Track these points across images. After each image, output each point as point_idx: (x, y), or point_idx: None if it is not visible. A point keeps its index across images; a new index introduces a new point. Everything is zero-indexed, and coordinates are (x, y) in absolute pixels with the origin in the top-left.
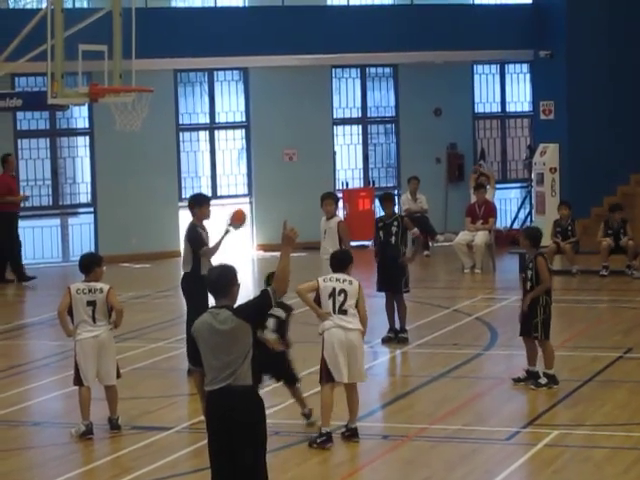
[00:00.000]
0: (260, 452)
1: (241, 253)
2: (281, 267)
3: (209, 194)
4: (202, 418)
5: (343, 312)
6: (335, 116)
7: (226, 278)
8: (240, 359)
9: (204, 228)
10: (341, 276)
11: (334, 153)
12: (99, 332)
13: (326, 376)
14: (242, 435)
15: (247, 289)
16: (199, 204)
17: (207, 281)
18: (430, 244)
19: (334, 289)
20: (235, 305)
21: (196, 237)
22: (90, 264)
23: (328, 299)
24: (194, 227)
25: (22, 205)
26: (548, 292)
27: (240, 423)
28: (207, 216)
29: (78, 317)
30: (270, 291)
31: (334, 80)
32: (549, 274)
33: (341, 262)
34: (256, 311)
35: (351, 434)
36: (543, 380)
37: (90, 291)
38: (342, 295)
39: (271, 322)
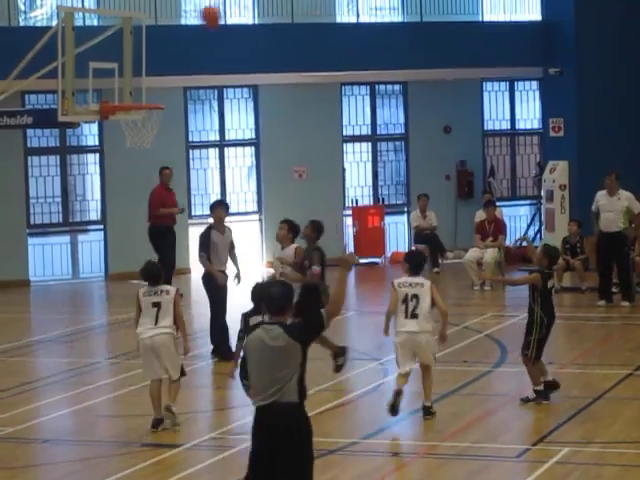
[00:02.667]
0: (306, 471)
1: (250, 269)
2: (338, 291)
3: None
4: (212, 435)
5: (414, 316)
6: (345, 133)
7: (285, 298)
8: (288, 376)
9: (222, 230)
10: (414, 280)
11: (343, 170)
12: (158, 332)
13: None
14: (288, 454)
15: None
16: (211, 208)
17: (263, 295)
18: (440, 261)
19: (407, 295)
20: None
21: (201, 240)
22: (158, 272)
23: (401, 304)
24: (207, 230)
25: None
26: (546, 311)
27: (286, 441)
28: (220, 219)
29: (142, 317)
30: (324, 313)
31: (343, 97)
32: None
33: (418, 264)
34: (308, 332)
35: (425, 412)
36: (531, 395)
37: (156, 293)
38: (414, 300)
39: None
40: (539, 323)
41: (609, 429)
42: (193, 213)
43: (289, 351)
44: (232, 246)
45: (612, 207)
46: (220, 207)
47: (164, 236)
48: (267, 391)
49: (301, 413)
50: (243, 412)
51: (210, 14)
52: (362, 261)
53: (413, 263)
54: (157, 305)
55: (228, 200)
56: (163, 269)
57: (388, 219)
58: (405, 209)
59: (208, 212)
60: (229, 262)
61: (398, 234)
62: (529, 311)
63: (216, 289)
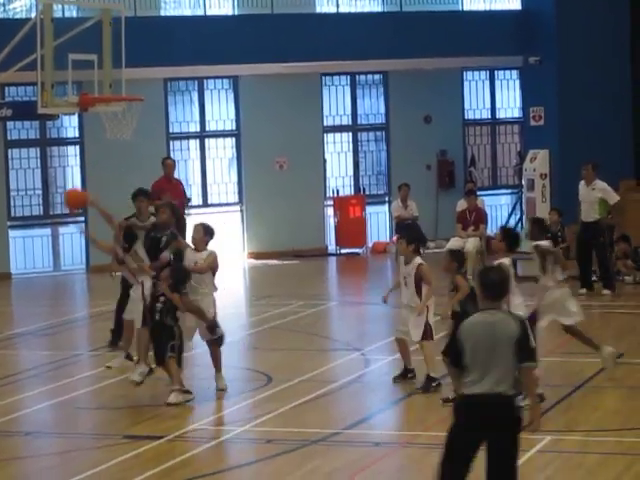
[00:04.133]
0: (516, 464)
1: (232, 261)
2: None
3: (200, 202)
4: (194, 427)
5: None
6: (325, 124)
7: (507, 281)
8: (509, 368)
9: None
10: None
11: (324, 161)
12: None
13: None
14: (499, 445)
15: (239, 297)
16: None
17: (486, 282)
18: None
19: None
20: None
21: None
22: None
23: None
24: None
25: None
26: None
27: (498, 433)
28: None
29: None
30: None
31: (324, 88)
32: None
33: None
34: (527, 344)
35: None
36: (452, 395)
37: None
38: None
39: None
40: None
41: (590, 417)
42: None
43: (515, 344)
44: None
45: (587, 197)
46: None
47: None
48: (484, 379)
49: (517, 405)
50: (224, 404)
51: (72, 197)
52: (344, 251)
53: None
54: None
55: (209, 191)
56: None
57: (369, 209)
58: (386, 199)
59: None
60: None
61: (379, 224)
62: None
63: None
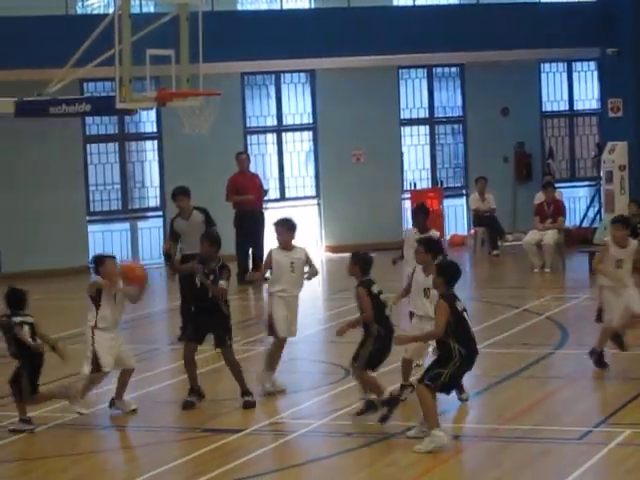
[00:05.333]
0: None
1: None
2: None
3: (277, 196)
4: (272, 420)
5: None
6: (402, 117)
7: None
8: None
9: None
10: None
11: (401, 153)
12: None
13: None
14: None
15: (316, 290)
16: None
17: None
18: (499, 244)
19: None
20: None
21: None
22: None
23: None
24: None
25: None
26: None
27: None
28: (180, 207)
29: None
30: None
31: (401, 81)
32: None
33: None
34: None
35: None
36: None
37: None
38: None
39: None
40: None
41: None
42: None
43: None
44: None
45: None
46: (180, 195)
47: (245, 221)
48: None
49: None
50: (302, 397)
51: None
52: None
53: None
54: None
55: (287, 185)
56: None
57: (447, 202)
58: (464, 192)
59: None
60: None
61: (457, 217)
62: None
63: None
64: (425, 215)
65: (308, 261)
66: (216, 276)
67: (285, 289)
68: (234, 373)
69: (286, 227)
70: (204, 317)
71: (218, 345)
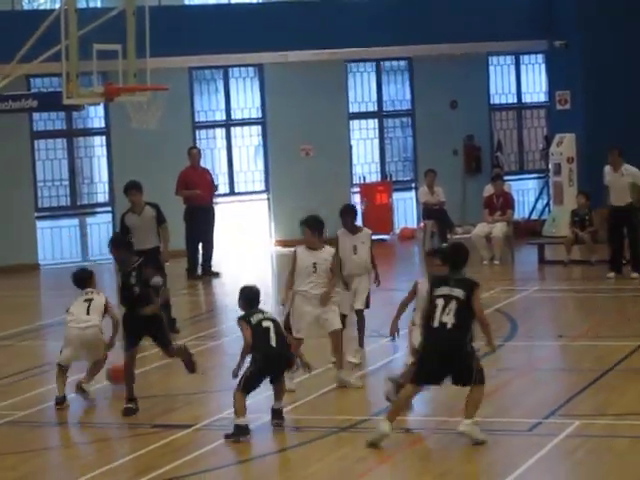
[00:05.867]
0: None
1: (259, 249)
2: None
3: (227, 191)
4: (222, 416)
5: None
6: (351, 110)
7: None
8: None
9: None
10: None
11: (350, 147)
12: None
13: None
14: None
15: (266, 285)
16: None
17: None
18: (449, 236)
19: None
20: None
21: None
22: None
23: None
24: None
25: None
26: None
27: None
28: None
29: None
30: None
31: (349, 74)
32: None
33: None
34: None
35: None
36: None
37: None
38: None
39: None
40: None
41: (620, 401)
42: None
43: None
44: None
45: (617, 182)
46: (132, 190)
47: (195, 216)
48: None
49: None
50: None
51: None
52: (376, 237)
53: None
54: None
55: (236, 180)
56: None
57: (396, 195)
58: (413, 185)
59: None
60: None
61: (407, 210)
62: None
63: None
64: (353, 216)
65: (331, 266)
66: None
67: (306, 290)
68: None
69: (306, 225)
70: (140, 323)
71: (161, 348)
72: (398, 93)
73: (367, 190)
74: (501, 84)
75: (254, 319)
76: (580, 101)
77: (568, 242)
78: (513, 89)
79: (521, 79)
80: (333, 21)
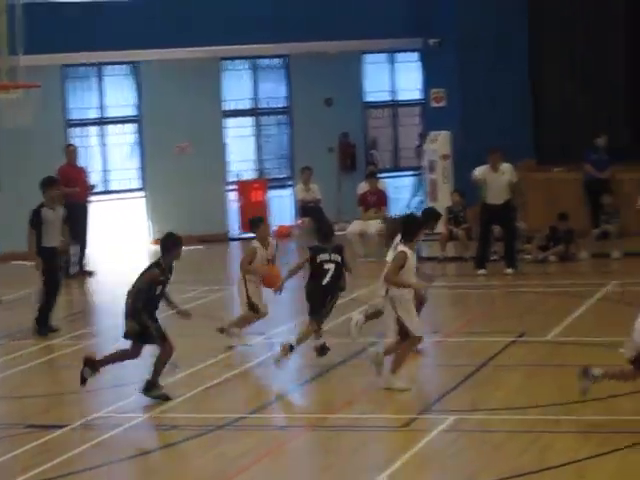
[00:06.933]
0: None
1: (137, 247)
2: None
3: (102, 189)
4: (99, 415)
5: None
6: (227, 108)
7: None
8: None
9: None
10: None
11: (224, 145)
12: None
13: None
14: None
15: None
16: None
17: None
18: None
19: None
20: None
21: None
22: None
23: None
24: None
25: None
26: None
27: None
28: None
29: None
30: None
31: (225, 72)
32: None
33: None
34: None
35: None
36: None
37: None
38: None
39: None
40: None
41: (494, 396)
42: None
43: None
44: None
45: (498, 182)
46: (53, 185)
47: (71, 214)
48: None
49: None
50: (129, 390)
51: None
52: (247, 236)
53: None
54: None
55: (111, 178)
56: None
57: (272, 193)
58: (289, 182)
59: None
60: None
61: (283, 208)
62: None
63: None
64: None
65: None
66: None
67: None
68: None
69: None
70: None
71: None
72: (274, 91)
73: (243, 188)
74: (376, 82)
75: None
76: (455, 98)
77: (443, 239)
78: (388, 87)
79: (396, 77)
80: (208, 19)
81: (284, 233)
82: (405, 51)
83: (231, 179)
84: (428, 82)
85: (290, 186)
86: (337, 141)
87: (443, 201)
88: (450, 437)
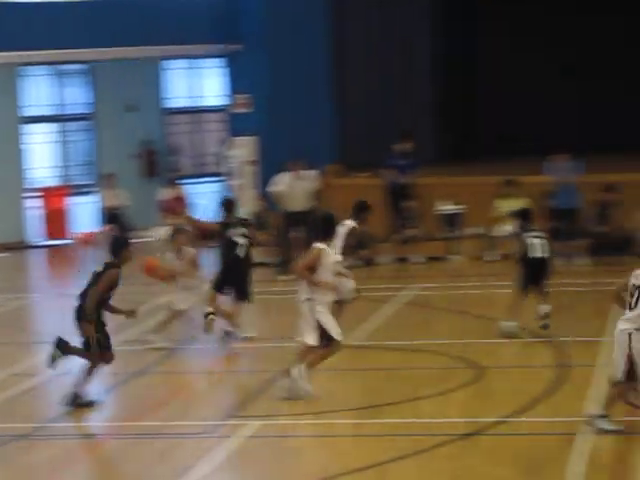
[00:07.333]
0: None
1: None
2: None
3: None
4: None
5: None
6: (26, 114)
7: None
8: None
9: None
10: None
11: (21, 151)
12: None
13: None
14: None
15: None
16: None
17: None
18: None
19: None
20: None
21: None
22: None
23: None
24: None
25: None
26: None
27: None
28: None
29: None
30: None
31: (24, 78)
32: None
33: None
34: None
35: None
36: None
37: None
38: None
39: None
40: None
41: (295, 402)
42: None
43: None
44: None
45: (297, 188)
46: None
47: None
48: None
49: None
50: None
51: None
52: (49, 243)
53: None
54: None
55: None
56: None
57: (77, 199)
58: (93, 189)
59: None
60: None
61: (87, 215)
62: None
63: None
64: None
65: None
66: None
67: None
68: None
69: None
70: None
71: None
72: (79, 97)
73: (46, 195)
74: (178, 88)
75: None
76: (260, 104)
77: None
78: (190, 93)
79: (199, 83)
80: (7, 24)
81: (87, 240)
82: (209, 57)
83: (33, 186)
84: (233, 88)
85: (94, 192)
86: (140, 147)
87: (247, 206)
88: (254, 442)
